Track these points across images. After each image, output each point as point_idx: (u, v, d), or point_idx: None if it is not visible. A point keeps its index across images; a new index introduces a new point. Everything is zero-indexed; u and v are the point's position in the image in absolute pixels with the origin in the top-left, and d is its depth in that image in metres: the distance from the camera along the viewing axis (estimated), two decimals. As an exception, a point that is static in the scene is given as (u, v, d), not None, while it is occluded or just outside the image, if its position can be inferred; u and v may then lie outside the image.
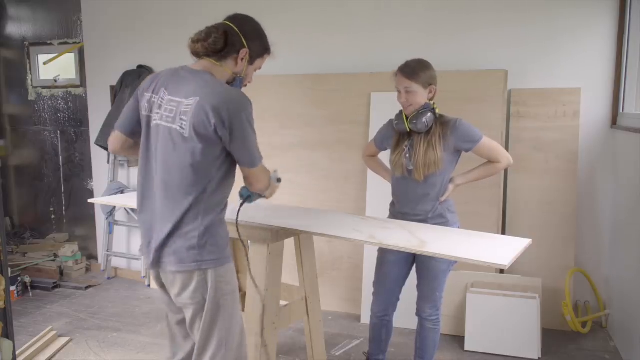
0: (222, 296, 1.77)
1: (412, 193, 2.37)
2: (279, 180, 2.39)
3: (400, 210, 2.43)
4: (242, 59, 1.79)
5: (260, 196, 2.21)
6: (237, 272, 2.69)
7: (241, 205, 2.05)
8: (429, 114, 2.27)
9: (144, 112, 1.79)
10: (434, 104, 2.32)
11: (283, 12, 3.84)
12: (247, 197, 2.17)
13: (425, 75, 2.28)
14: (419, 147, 2.30)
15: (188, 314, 1.81)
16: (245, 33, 1.79)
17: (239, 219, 2.19)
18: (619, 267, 3.15)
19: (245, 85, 1.91)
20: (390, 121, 2.51)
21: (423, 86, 2.28)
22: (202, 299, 1.76)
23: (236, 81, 1.83)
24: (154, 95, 1.76)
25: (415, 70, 2.27)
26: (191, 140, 1.66)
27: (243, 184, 2.12)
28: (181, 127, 1.67)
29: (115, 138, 1.91)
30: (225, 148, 1.71)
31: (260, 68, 1.91)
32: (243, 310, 2.24)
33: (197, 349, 1.82)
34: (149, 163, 1.78)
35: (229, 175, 1.80)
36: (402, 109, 2.36)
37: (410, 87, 2.27)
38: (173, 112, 1.69)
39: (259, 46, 1.84)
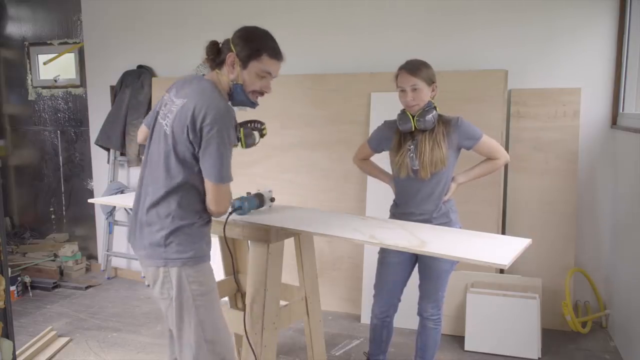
0: (190, 296, 1.78)
1: (418, 193, 2.37)
2: (272, 200, 2.41)
3: (403, 211, 2.42)
4: (233, 64, 1.80)
5: (251, 209, 2.26)
6: (237, 272, 2.69)
7: (229, 214, 2.07)
8: (434, 112, 2.29)
9: (157, 109, 1.91)
10: (434, 102, 2.33)
11: (283, 12, 3.85)
12: (238, 208, 2.19)
13: (428, 73, 2.30)
14: (424, 146, 2.30)
15: (162, 309, 1.88)
16: (235, 38, 1.83)
17: (240, 220, 2.20)
18: (619, 267, 3.15)
19: (262, 94, 1.87)
20: (387, 122, 2.50)
21: (427, 83, 2.29)
22: (169, 295, 1.80)
23: (236, 89, 1.82)
24: (166, 94, 1.89)
25: (419, 67, 2.28)
26: (170, 138, 1.75)
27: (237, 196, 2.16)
28: (166, 124, 1.78)
29: (141, 131, 2.12)
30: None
31: (266, 73, 1.84)
32: (243, 310, 2.24)
33: (176, 348, 1.87)
34: (148, 154, 1.89)
35: None
36: (403, 108, 2.35)
37: (417, 84, 2.26)
38: (167, 110, 1.81)
39: (248, 48, 1.80)
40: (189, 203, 1.79)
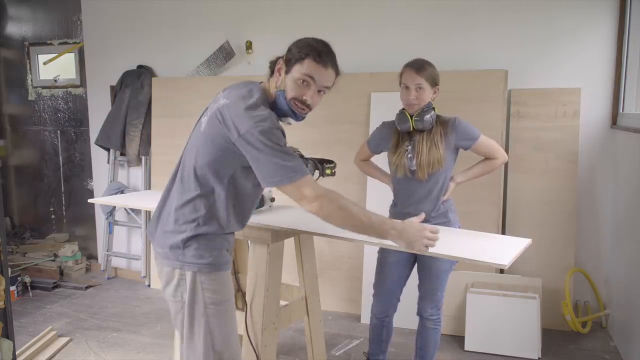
0: (202, 304, 1.72)
1: (415, 193, 2.37)
2: (272, 200, 2.39)
3: (402, 211, 2.43)
4: (280, 70, 1.71)
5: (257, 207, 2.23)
6: (237, 272, 2.69)
7: None
8: (432, 112, 2.29)
9: (209, 103, 1.81)
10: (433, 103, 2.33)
11: (283, 12, 3.85)
12: None
13: (432, 73, 2.29)
14: (421, 146, 2.30)
15: (171, 310, 1.82)
16: (290, 45, 1.72)
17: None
18: (619, 267, 3.15)
19: (305, 104, 1.69)
20: (385, 123, 2.50)
21: (430, 84, 2.28)
22: (181, 299, 1.73)
23: (279, 96, 1.70)
24: (221, 92, 1.79)
25: (425, 67, 2.28)
26: (201, 139, 1.68)
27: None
28: (204, 122, 1.70)
29: None
30: (237, 164, 1.66)
31: (307, 76, 1.66)
32: (243, 310, 2.24)
33: (183, 351, 1.80)
34: (186, 148, 1.79)
35: (240, 195, 1.73)
36: (402, 108, 2.35)
37: (422, 84, 2.25)
38: (211, 106, 1.73)
39: (296, 52, 1.68)
40: (218, 210, 1.71)
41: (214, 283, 1.74)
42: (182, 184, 1.73)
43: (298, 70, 1.67)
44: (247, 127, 1.57)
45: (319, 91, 1.72)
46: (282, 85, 1.70)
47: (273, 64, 1.76)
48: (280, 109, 1.71)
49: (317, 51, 1.68)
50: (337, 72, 1.75)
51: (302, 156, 2.07)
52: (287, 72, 1.69)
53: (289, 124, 1.76)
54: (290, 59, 1.69)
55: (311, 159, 2.07)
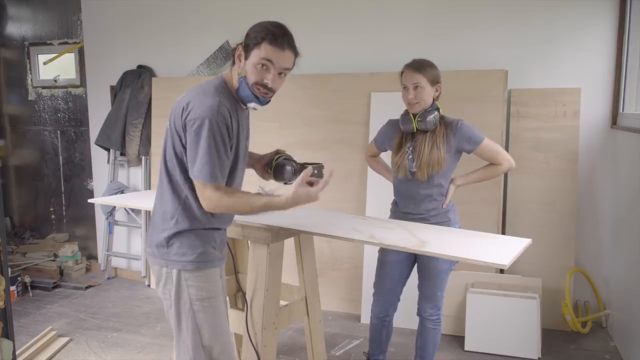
0: (187, 300, 1.76)
1: (415, 194, 2.37)
2: None
3: (402, 210, 2.43)
4: (240, 57, 1.73)
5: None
6: (237, 272, 2.69)
7: None
8: (436, 113, 2.29)
9: None
10: (437, 104, 2.33)
11: (283, 12, 3.83)
12: None
13: (433, 72, 2.29)
14: (422, 147, 2.30)
15: (164, 308, 1.86)
16: (248, 30, 1.74)
17: (240, 220, 2.20)
18: (619, 267, 3.15)
19: (267, 88, 1.71)
20: (390, 122, 2.51)
21: (431, 83, 2.28)
22: (170, 296, 1.78)
23: (241, 83, 1.72)
24: None
25: (423, 66, 2.28)
26: (168, 132, 1.74)
27: None
28: (169, 120, 1.76)
29: None
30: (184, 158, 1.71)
31: (265, 60, 1.67)
32: (243, 310, 2.24)
33: (175, 348, 1.87)
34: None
35: None
36: (406, 109, 2.34)
37: (420, 82, 2.25)
38: None
39: (252, 37, 1.69)
40: (191, 205, 1.73)
41: (199, 280, 1.77)
42: (161, 183, 1.80)
43: (256, 54, 1.68)
44: (193, 115, 1.63)
45: (280, 73, 1.74)
46: (243, 72, 1.72)
47: (233, 52, 1.78)
48: (243, 94, 1.74)
49: (273, 34, 1.68)
50: (296, 53, 1.77)
51: (287, 158, 2.09)
52: (246, 58, 1.71)
53: (254, 109, 1.78)
54: (248, 44, 1.70)
55: (293, 161, 2.09)
